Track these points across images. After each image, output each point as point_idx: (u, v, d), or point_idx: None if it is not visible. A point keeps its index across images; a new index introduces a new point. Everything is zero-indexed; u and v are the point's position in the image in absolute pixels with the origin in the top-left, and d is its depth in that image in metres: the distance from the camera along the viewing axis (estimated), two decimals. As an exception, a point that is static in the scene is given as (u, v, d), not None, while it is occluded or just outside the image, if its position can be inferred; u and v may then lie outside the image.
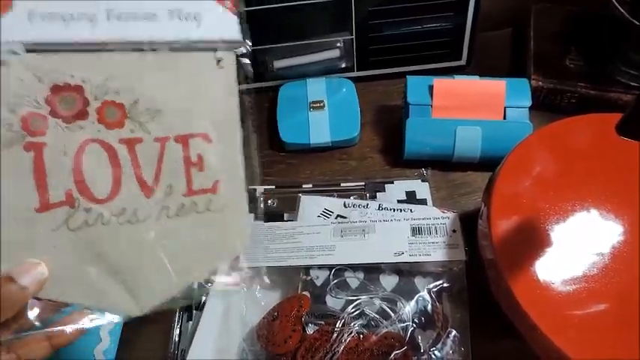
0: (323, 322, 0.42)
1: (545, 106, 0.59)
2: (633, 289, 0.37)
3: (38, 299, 0.33)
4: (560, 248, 0.39)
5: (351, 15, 0.57)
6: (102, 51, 0.34)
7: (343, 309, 0.43)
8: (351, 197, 0.52)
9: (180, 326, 0.46)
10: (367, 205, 0.50)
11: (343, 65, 0.62)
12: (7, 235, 0.32)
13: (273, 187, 0.55)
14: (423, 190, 0.54)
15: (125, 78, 0.35)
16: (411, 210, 0.49)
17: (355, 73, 0.63)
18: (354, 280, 0.45)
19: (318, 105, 0.59)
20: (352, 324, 0.42)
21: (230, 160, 0.39)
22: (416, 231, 0.46)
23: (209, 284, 0.42)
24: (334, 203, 0.51)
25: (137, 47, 0.35)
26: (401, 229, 0.47)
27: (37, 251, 0.33)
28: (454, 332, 0.42)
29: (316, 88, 0.60)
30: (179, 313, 0.47)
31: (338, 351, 0.40)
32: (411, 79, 0.56)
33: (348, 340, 0.40)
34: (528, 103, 0.54)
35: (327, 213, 0.50)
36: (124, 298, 0.35)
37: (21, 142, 0.32)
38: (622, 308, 0.37)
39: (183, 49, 0.36)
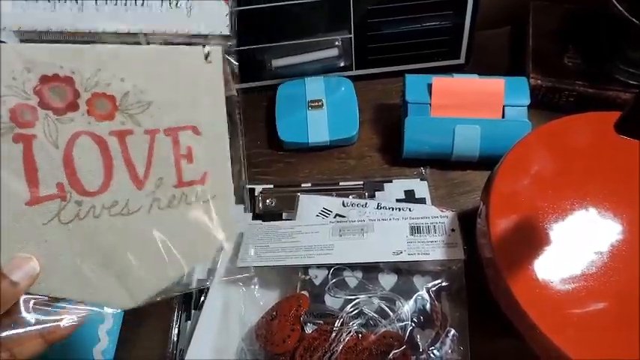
0: (322, 322, 0.42)
1: (543, 105, 0.59)
2: (632, 288, 0.37)
3: (30, 295, 0.33)
4: (559, 247, 0.39)
5: (350, 13, 0.57)
6: (92, 42, 0.34)
7: (342, 308, 0.43)
8: (350, 196, 0.52)
9: (179, 325, 0.46)
10: (366, 204, 0.50)
11: (342, 64, 0.61)
12: None
13: (272, 186, 0.55)
14: (421, 189, 0.53)
15: (115, 70, 0.34)
16: (409, 209, 0.49)
17: (354, 72, 0.62)
18: (352, 279, 0.45)
19: (317, 104, 0.58)
20: (351, 323, 0.41)
21: (217, 152, 0.39)
22: (415, 230, 0.46)
23: (205, 276, 0.41)
24: (333, 202, 0.51)
25: (127, 40, 0.35)
26: (399, 228, 0.47)
27: (28, 246, 0.32)
28: (453, 331, 0.41)
29: (315, 87, 0.60)
30: (177, 312, 0.47)
31: (337, 350, 0.40)
32: (409, 78, 0.56)
33: (346, 340, 0.40)
34: (527, 101, 0.54)
35: (325, 212, 0.50)
36: (117, 291, 0.35)
37: (9, 134, 0.32)
38: (621, 307, 0.37)
39: (172, 43, 0.36)
